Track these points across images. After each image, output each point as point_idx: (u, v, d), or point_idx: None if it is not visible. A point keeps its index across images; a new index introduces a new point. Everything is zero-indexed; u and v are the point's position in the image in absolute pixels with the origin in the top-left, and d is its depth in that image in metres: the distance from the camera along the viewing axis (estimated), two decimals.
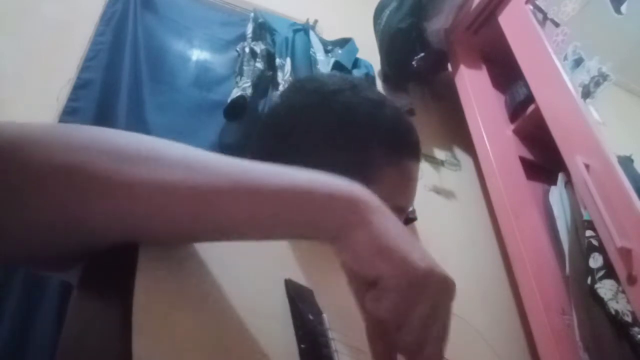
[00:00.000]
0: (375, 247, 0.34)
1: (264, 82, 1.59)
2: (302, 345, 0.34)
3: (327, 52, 1.86)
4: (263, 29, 1.77)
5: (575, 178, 1.37)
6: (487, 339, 0.60)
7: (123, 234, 0.31)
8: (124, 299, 0.26)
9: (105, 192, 0.29)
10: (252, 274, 0.38)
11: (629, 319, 1.21)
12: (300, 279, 0.41)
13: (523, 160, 1.70)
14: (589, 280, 1.29)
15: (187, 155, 0.33)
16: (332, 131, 0.60)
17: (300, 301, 0.38)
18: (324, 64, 1.74)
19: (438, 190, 1.82)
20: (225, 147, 1.48)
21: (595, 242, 1.31)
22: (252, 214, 0.32)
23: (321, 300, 0.40)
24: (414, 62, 1.88)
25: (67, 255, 0.32)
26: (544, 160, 1.72)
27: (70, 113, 1.36)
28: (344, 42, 1.94)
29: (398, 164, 0.61)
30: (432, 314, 0.33)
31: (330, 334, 0.37)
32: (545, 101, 1.53)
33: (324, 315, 0.38)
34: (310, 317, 0.37)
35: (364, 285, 0.34)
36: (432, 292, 0.34)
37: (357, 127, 0.60)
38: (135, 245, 0.30)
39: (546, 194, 1.63)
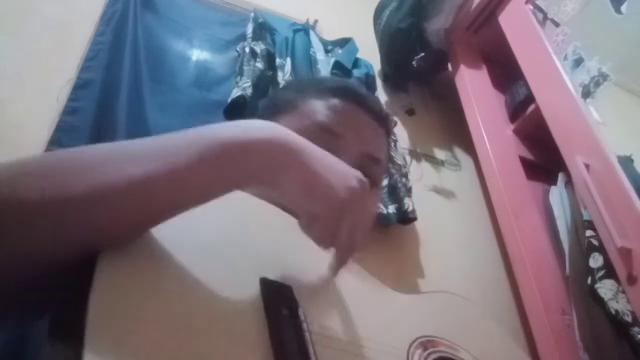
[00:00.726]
0: (302, 190, 0.38)
1: (264, 82, 1.59)
2: (274, 340, 0.34)
3: (327, 52, 1.86)
4: (263, 29, 1.77)
5: (575, 178, 1.37)
6: None
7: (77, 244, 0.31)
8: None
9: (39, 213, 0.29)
10: (225, 279, 0.37)
11: (629, 318, 1.21)
12: (279, 277, 0.41)
13: (523, 160, 1.71)
14: (589, 280, 1.29)
15: (114, 150, 0.35)
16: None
17: (275, 295, 0.38)
18: (324, 64, 1.74)
19: (438, 190, 1.82)
20: None
21: (595, 242, 1.31)
22: (195, 182, 0.34)
23: (302, 296, 0.40)
24: (414, 62, 1.88)
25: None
26: (544, 160, 1.72)
27: (70, 113, 1.36)
28: (344, 42, 1.94)
29: (293, 107, 0.62)
30: (355, 226, 0.40)
31: (306, 327, 0.37)
32: (545, 101, 1.53)
33: (301, 309, 0.38)
34: (285, 311, 0.37)
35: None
36: (353, 212, 0.39)
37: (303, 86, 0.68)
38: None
39: (546, 194, 1.63)
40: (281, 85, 1.54)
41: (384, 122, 0.65)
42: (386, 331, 0.43)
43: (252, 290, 0.37)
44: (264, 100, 0.70)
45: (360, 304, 0.38)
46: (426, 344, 0.45)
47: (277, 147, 0.38)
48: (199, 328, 0.32)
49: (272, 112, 0.63)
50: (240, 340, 0.34)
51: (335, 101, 0.61)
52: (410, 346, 0.44)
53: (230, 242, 0.40)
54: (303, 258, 0.43)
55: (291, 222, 0.42)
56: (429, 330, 0.47)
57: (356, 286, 0.46)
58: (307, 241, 0.40)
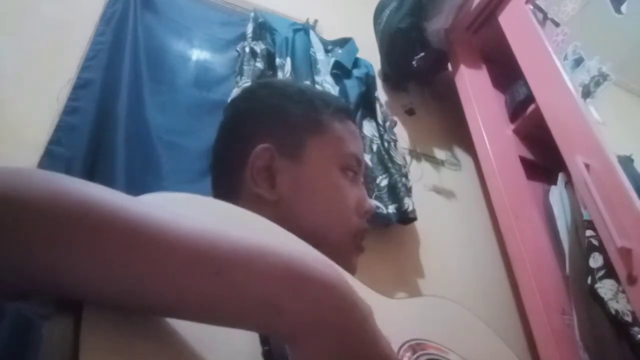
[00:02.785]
0: None
1: None
2: (265, 347, 0.34)
3: (327, 51, 1.86)
4: (263, 29, 1.77)
5: (575, 178, 1.37)
6: None
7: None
8: None
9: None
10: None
11: (629, 318, 1.21)
12: None
13: (523, 160, 1.70)
14: (589, 280, 1.29)
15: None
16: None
17: None
18: (324, 64, 1.74)
19: (438, 190, 1.82)
20: None
21: (595, 242, 1.31)
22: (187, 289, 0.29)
23: None
24: (414, 62, 1.88)
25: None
26: (544, 160, 1.72)
27: (70, 113, 1.36)
28: (344, 42, 1.94)
29: (321, 129, 0.62)
30: None
31: None
32: (546, 101, 1.53)
33: None
34: None
35: None
36: None
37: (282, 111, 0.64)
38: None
39: (546, 194, 1.63)
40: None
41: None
42: None
43: None
44: (258, 105, 0.65)
45: None
46: (415, 347, 0.45)
47: (333, 296, 0.31)
48: None
49: (293, 131, 0.61)
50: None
51: (351, 126, 0.65)
52: (399, 349, 0.44)
53: None
54: None
55: None
56: (417, 334, 0.47)
57: None
58: None
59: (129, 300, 0.29)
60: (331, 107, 0.65)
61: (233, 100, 0.75)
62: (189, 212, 0.39)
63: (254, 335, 0.34)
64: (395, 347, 0.44)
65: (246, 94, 0.71)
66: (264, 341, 0.34)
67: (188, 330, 0.32)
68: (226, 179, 0.64)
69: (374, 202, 0.57)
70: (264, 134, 0.61)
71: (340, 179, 0.60)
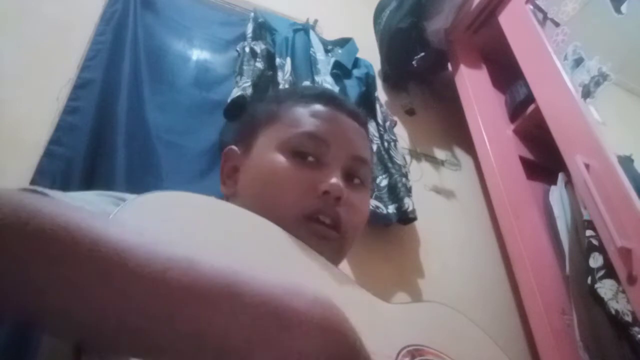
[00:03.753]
0: None
1: (264, 81, 1.59)
2: None
3: (327, 51, 1.86)
4: (263, 29, 1.77)
5: (575, 178, 1.37)
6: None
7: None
8: None
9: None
10: None
11: (629, 318, 1.21)
12: None
13: (523, 160, 1.71)
14: (589, 280, 1.29)
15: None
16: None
17: None
18: (324, 64, 1.74)
19: (438, 190, 1.82)
20: (225, 147, 1.48)
21: (595, 242, 1.31)
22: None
23: None
24: (414, 62, 1.88)
25: None
26: (544, 160, 1.72)
27: (70, 113, 1.36)
28: (344, 42, 1.94)
29: (274, 119, 0.61)
30: None
31: None
32: (546, 101, 1.53)
33: None
34: None
35: None
36: None
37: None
38: None
39: (546, 194, 1.63)
40: (281, 85, 1.54)
41: (362, 122, 0.65)
42: (375, 340, 0.43)
43: None
44: (243, 117, 0.71)
45: (349, 313, 0.38)
46: (414, 352, 0.46)
47: (329, 337, 0.29)
48: None
49: (251, 128, 0.62)
50: None
51: (317, 107, 0.60)
52: (398, 355, 0.44)
53: None
54: (296, 275, 0.44)
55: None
56: (416, 339, 0.47)
57: (345, 296, 0.46)
58: (302, 262, 0.40)
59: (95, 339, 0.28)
60: (297, 94, 0.64)
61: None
62: (184, 213, 0.39)
63: None
64: (393, 352, 0.44)
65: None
66: None
67: None
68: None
69: (336, 181, 0.54)
70: (235, 138, 0.66)
71: (283, 162, 0.56)
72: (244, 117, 0.69)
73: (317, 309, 0.29)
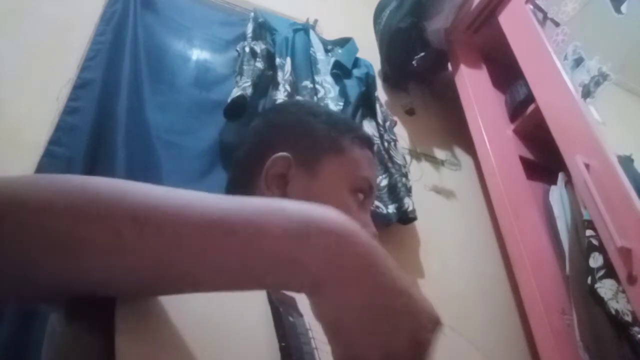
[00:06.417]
0: (358, 320, 0.29)
1: (264, 81, 1.59)
2: (282, 344, 0.35)
3: (327, 51, 1.86)
4: (263, 29, 1.77)
5: (575, 178, 1.37)
6: (487, 339, 0.60)
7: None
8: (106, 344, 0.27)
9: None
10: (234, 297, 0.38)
11: (629, 318, 1.21)
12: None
13: (523, 160, 1.71)
14: (589, 280, 1.29)
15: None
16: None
17: (281, 305, 0.39)
18: (324, 64, 1.74)
19: (438, 190, 1.82)
20: (225, 147, 1.48)
21: (595, 242, 1.31)
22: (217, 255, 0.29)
23: (304, 308, 0.41)
24: (414, 62, 1.88)
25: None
26: (544, 160, 1.72)
27: (70, 113, 1.36)
28: (344, 42, 1.94)
29: (339, 149, 0.67)
30: None
31: (311, 334, 0.38)
32: (546, 101, 1.53)
33: (305, 318, 0.39)
34: (291, 319, 0.38)
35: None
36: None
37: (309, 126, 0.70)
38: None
39: (546, 194, 1.63)
40: (280, 86, 1.53)
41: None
42: None
43: (261, 302, 0.39)
44: (286, 118, 0.72)
45: None
46: None
47: (351, 243, 0.30)
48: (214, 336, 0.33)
49: (312, 147, 0.66)
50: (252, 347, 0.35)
51: (368, 153, 0.70)
52: None
53: None
54: None
55: None
56: None
57: None
58: None
59: (155, 282, 0.30)
60: (353, 132, 0.70)
61: (264, 111, 0.84)
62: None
63: (272, 331, 0.35)
64: None
65: (278, 106, 0.78)
66: (282, 337, 0.35)
67: (209, 325, 0.33)
68: (242, 179, 0.69)
69: (376, 230, 0.65)
70: (285, 144, 0.66)
71: (349, 199, 0.63)
72: (290, 122, 0.71)
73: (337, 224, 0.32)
